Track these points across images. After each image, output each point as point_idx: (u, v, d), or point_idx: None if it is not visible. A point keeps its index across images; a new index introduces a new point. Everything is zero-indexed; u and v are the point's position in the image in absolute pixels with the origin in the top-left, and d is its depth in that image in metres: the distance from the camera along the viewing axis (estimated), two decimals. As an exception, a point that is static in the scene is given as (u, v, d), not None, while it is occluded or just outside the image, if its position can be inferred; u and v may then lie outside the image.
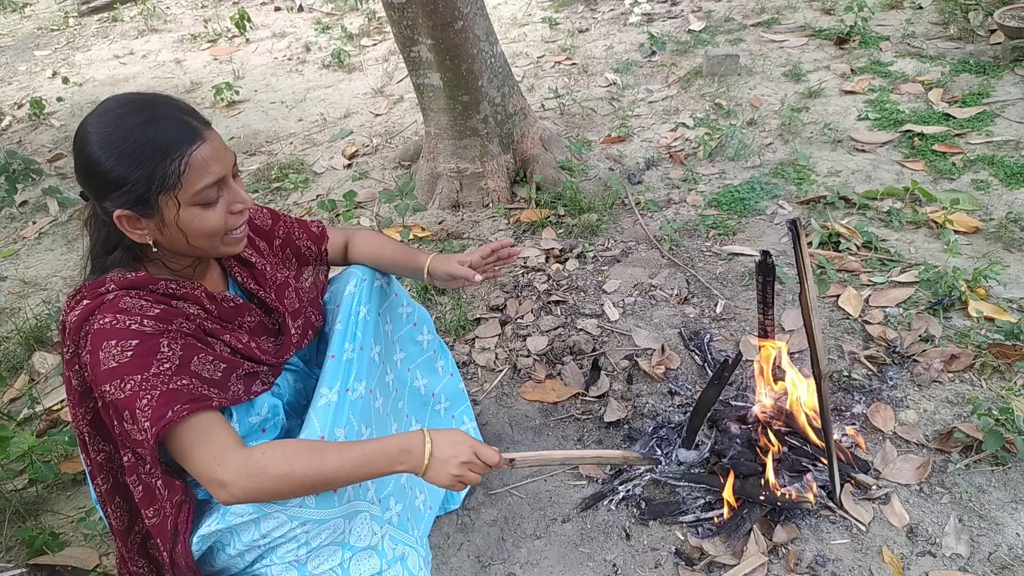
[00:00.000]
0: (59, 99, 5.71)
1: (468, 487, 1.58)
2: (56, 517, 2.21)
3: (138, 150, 1.19)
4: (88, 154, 1.21)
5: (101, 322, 1.22)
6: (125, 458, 1.31)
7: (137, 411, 1.18)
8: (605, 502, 1.98)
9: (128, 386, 1.19)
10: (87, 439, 1.33)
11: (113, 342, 1.20)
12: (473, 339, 2.63)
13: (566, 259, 2.96)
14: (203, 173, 1.22)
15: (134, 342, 1.20)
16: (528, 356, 2.51)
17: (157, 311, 1.26)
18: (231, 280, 1.53)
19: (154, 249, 1.30)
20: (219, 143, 1.27)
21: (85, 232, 1.37)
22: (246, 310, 1.47)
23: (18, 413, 2.64)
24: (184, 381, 1.23)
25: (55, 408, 2.65)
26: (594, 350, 2.50)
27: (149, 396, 1.18)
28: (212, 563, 1.47)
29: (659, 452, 2.01)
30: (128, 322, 1.22)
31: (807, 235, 2.82)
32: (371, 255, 1.76)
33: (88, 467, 1.37)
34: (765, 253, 1.81)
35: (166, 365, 1.21)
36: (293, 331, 1.55)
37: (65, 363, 1.29)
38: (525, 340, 2.58)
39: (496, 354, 2.55)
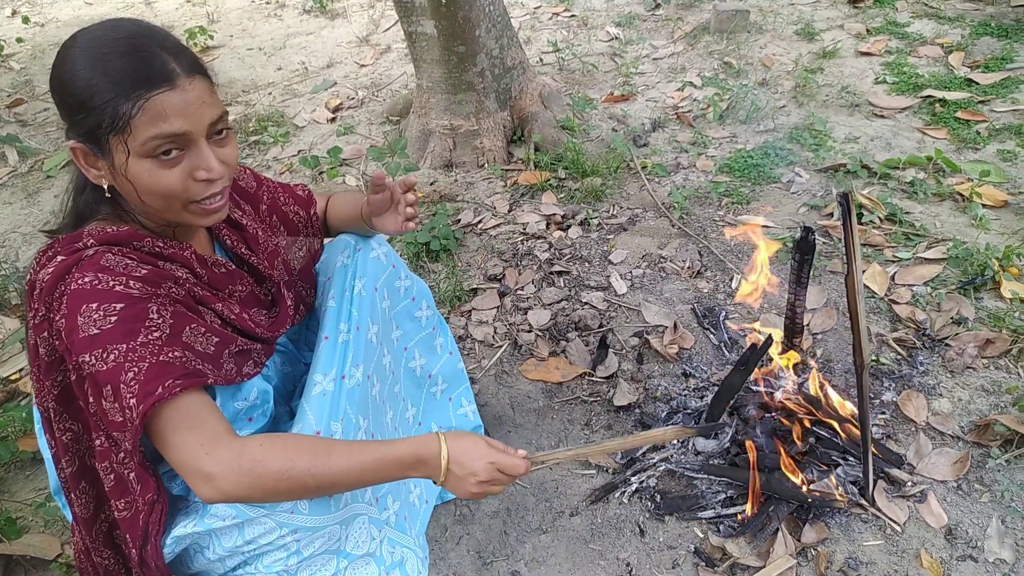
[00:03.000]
0: (19, 40, 5.33)
1: None
2: (12, 501, 2.01)
3: (98, 79, 1.02)
4: (56, 71, 1.07)
5: (80, 281, 1.05)
6: (98, 442, 1.14)
7: (121, 386, 1.02)
8: (616, 494, 1.82)
9: (111, 357, 1.02)
10: (52, 416, 1.15)
11: (94, 305, 1.03)
12: (470, 311, 2.44)
13: (568, 226, 2.77)
14: (156, 123, 1.03)
15: (119, 306, 1.04)
16: (530, 331, 2.34)
17: (144, 272, 1.09)
18: (218, 244, 1.34)
19: (107, 195, 1.13)
20: (196, 95, 1.06)
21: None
22: (238, 277, 1.29)
23: (-29, 383, 2.43)
24: (176, 353, 1.06)
25: (13, 378, 2.44)
26: (601, 326, 2.32)
27: (136, 369, 1.02)
28: (189, 565, 1.30)
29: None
30: (112, 283, 1.05)
31: (827, 206, 2.66)
32: (340, 216, 1.57)
33: (52, 448, 1.19)
34: (807, 229, 1.64)
35: (155, 334, 1.05)
36: (288, 302, 1.37)
37: (31, 328, 1.11)
38: (526, 314, 2.40)
39: (495, 328, 2.37)
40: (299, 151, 3.55)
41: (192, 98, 1.06)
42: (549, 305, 2.42)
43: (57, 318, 1.06)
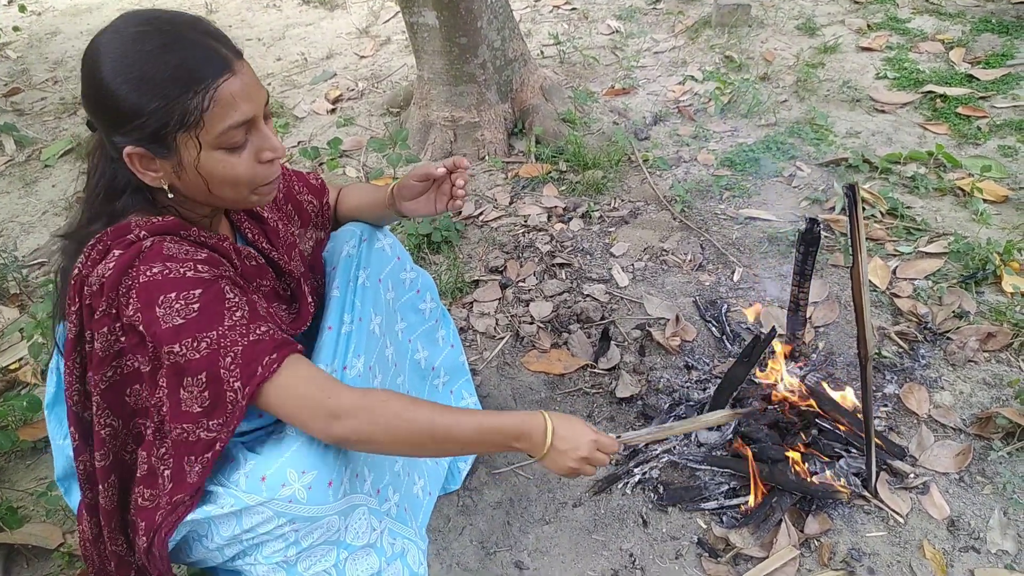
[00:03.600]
0: (15, 29, 5.29)
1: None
2: (13, 490, 2.00)
3: (156, 78, 1.00)
4: (98, 79, 1.02)
5: (148, 274, 1.05)
6: (148, 432, 1.14)
7: (221, 371, 1.05)
8: (619, 485, 1.83)
9: (203, 345, 1.04)
10: (96, 410, 1.14)
11: (172, 295, 1.04)
12: (471, 303, 2.44)
13: (570, 219, 2.77)
14: (229, 111, 1.03)
15: (197, 292, 1.05)
16: (531, 323, 2.34)
17: (204, 255, 1.11)
18: (239, 237, 1.33)
19: (170, 195, 1.11)
20: (251, 78, 1.07)
21: (87, 166, 1.18)
22: (264, 272, 1.30)
23: (-30, 372, 2.41)
24: (263, 328, 1.09)
25: (12, 367, 2.42)
26: (603, 318, 2.32)
27: (232, 354, 1.05)
28: (188, 554, 1.29)
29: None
30: (182, 270, 1.06)
31: (828, 200, 2.66)
32: (356, 204, 1.57)
33: (74, 440, 1.19)
34: (813, 221, 1.64)
35: (238, 314, 1.08)
36: (309, 299, 1.38)
37: (90, 323, 1.09)
38: (528, 305, 2.40)
39: (496, 320, 2.37)
40: (299, 142, 3.54)
41: (250, 80, 1.07)
42: (551, 297, 2.42)
43: (129, 312, 1.05)
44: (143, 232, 1.09)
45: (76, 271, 1.11)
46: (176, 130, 1.02)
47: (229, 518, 1.18)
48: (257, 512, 1.16)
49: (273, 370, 1.06)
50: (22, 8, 5.63)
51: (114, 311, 1.07)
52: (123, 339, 1.09)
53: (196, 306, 1.04)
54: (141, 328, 1.05)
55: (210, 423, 1.09)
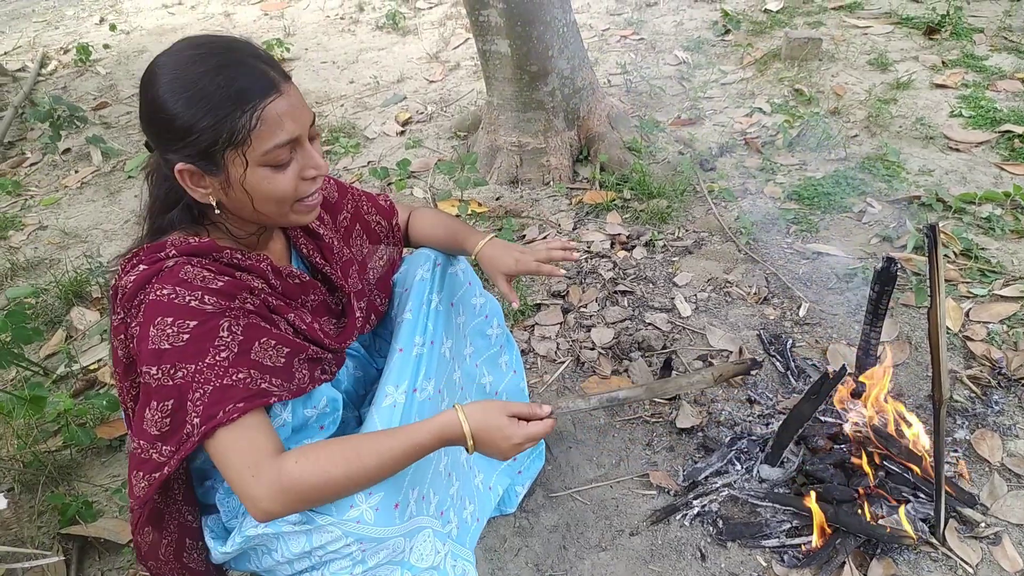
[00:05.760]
0: (106, 46, 5.60)
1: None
2: (90, 484, 2.10)
3: (207, 97, 1.05)
4: (153, 97, 1.07)
5: (158, 292, 1.09)
6: (134, 444, 1.17)
7: (188, 403, 1.07)
8: (678, 516, 1.82)
9: (180, 374, 1.07)
10: (131, 414, 1.20)
11: (169, 319, 1.08)
12: (533, 326, 2.47)
13: (633, 246, 2.78)
14: (276, 130, 1.08)
15: (192, 323, 1.08)
16: (592, 349, 2.35)
17: (220, 284, 1.13)
18: (295, 252, 1.38)
19: (216, 211, 1.16)
20: (297, 99, 1.13)
21: (146, 186, 1.23)
22: (311, 287, 1.33)
23: (54, 370, 2.54)
24: (240, 375, 1.10)
25: (92, 368, 2.54)
26: (664, 347, 2.32)
27: (202, 391, 1.07)
28: (257, 563, 1.33)
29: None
30: (188, 297, 1.09)
31: (900, 238, 2.61)
32: (429, 233, 1.61)
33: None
34: (890, 260, 1.62)
35: (223, 354, 1.09)
36: (358, 314, 1.41)
37: (112, 330, 1.17)
38: (589, 331, 2.41)
39: (558, 344, 2.38)
40: (369, 162, 3.64)
41: (296, 102, 1.11)
42: (612, 324, 2.43)
43: (132, 324, 1.11)
44: (173, 251, 1.14)
45: (113, 281, 1.18)
46: (225, 147, 1.07)
47: (299, 535, 1.20)
48: (326, 531, 1.17)
49: (232, 419, 1.06)
50: (112, 27, 5.95)
51: (128, 320, 1.13)
52: (131, 347, 1.14)
53: (185, 336, 1.07)
54: (135, 341, 1.10)
55: (164, 448, 1.11)
